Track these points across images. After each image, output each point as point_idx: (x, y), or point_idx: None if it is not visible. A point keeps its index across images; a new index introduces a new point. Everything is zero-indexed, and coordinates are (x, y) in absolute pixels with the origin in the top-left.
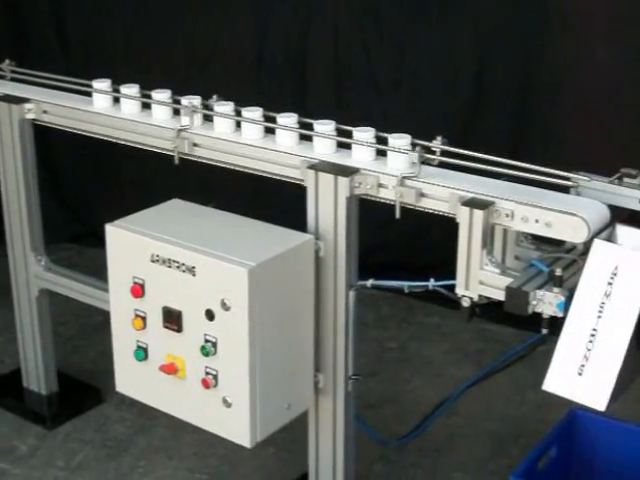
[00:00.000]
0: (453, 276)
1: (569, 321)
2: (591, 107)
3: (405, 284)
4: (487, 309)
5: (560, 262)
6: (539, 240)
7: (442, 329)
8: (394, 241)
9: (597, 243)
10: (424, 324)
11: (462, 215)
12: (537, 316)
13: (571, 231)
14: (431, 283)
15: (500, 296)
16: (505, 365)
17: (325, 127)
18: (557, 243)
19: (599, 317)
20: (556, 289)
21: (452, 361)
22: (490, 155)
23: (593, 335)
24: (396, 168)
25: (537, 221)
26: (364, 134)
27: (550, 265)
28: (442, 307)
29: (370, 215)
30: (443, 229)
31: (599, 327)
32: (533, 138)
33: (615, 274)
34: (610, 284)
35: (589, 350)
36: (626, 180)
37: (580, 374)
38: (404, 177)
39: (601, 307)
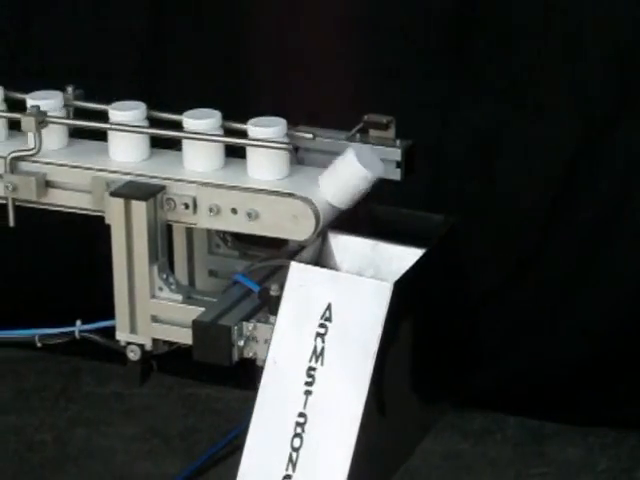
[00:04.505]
0: None
1: (259, 405)
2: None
3: (36, 333)
4: (191, 362)
5: (280, 274)
6: (247, 242)
7: (126, 403)
8: (36, 266)
9: (295, 268)
10: (96, 397)
11: (113, 211)
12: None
13: (290, 222)
14: (78, 327)
15: (187, 338)
16: (230, 451)
17: None
18: (277, 244)
19: (308, 394)
20: (274, 318)
21: (144, 453)
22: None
23: (301, 425)
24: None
25: (235, 211)
26: None
27: (264, 280)
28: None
29: None
30: None
31: (310, 411)
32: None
33: (329, 318)
34: (322, 336)
35: (296, 450)
36: (373, 133)
37: None
38: (15, 158)
39: (310, 377)
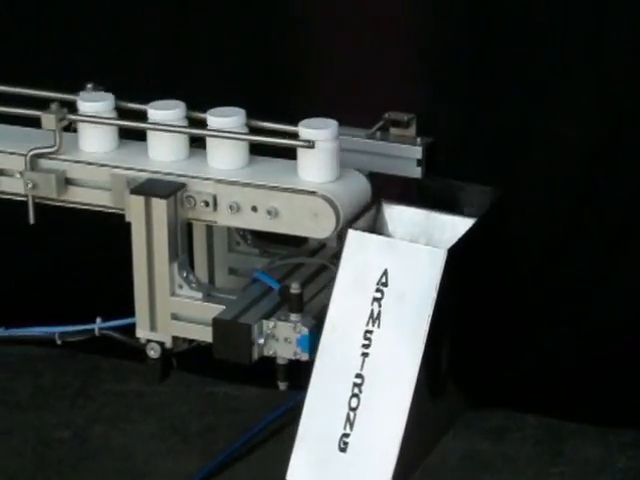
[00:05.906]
0: None
1: (318, 367)
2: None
3: (55, 330)
4: (210, 360)
5: (301, 272)
6: (266, 240)
7: (145, 400)
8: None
9: (352, 236)
10: (115, 394)
11: (133, 209)
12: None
13: (310, 220)
14: (97, 325)
15: (207, 336)
16: (248, 449)
17: None
18: (296, 242)
19: (365, 356)
20: (294, 316)
21: (163, 450)
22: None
23: (358, 385)
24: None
25: (255, 209)
26: None
27: (284, 278)
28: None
29: None
30: None
31: (366, 372)
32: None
33: (385, 283)
34: (378, 300)
35: (353, 410)
36: (394, 131)
37: (343, 450)
38: (35, 155)
39: (367, 339)
